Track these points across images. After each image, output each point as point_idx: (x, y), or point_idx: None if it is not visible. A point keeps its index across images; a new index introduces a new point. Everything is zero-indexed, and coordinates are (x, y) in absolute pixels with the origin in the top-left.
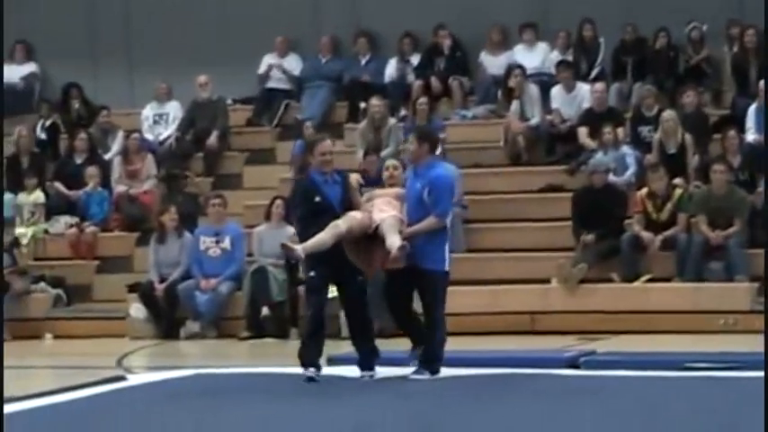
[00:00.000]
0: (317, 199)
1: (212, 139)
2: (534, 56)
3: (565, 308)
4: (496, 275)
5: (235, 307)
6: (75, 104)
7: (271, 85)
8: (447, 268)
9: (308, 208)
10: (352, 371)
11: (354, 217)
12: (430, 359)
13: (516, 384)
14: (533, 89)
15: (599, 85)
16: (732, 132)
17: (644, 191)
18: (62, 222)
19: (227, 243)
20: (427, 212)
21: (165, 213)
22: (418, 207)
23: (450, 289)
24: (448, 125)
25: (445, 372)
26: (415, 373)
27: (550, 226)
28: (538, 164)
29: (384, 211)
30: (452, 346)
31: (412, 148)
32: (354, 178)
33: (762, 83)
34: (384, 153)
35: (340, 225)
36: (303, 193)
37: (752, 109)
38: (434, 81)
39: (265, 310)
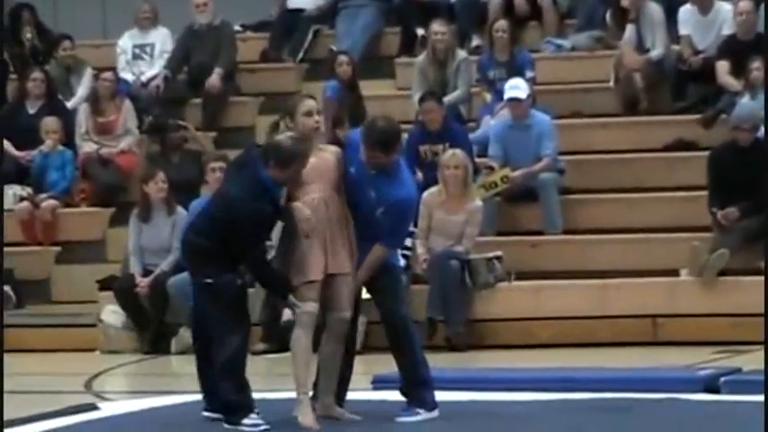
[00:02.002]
0: None
1: (214, 80)
2: None
3: (698, 309)
4: (606, 265)
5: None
6: (28, 33)
7: (293, 4)
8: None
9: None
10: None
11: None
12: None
13: (635, 415)
14: (655, 10)
15: (745, 4)
16: None
17: None
18: (9, 195)
19: None
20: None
21: (150, 181)
22: (370, 221)
23: (541, 284)
24: (537, 59)
25: (538, 396)
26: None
27: (679, 197)
28: (661, 112)
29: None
30: (548, 360)
31: (363, 153)
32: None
33: None
34: (450, 97)
35: None
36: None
37: None
38: None
39: (289, 314)
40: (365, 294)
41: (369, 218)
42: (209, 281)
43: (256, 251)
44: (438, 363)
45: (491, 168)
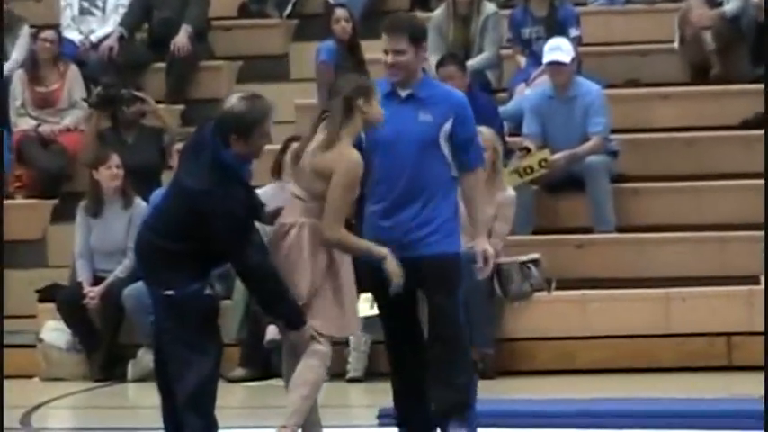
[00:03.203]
0: None
1: (181, 40)
2: None
3: None
4: (669, 271)
5: (221, 326)
6: None
7: None
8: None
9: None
10: None
11: None
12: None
13: None
14: None
15: None
16: None
17: None
18: None
19: None
20: None
21: (101, 166)
22: None
23: (589, 295)
24: (583, 14)
25: None
26: None
27: (760, 186)
28: (738, 80)
29: None
30: (596, 389)
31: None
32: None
33: None
34: (475, 61)
35: None
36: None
37: None
38: None
39: (273, 332)
40: (367, 311)
41: None
42: (170, 293)
43: (265, 263)
44: None
45: (526, 150)
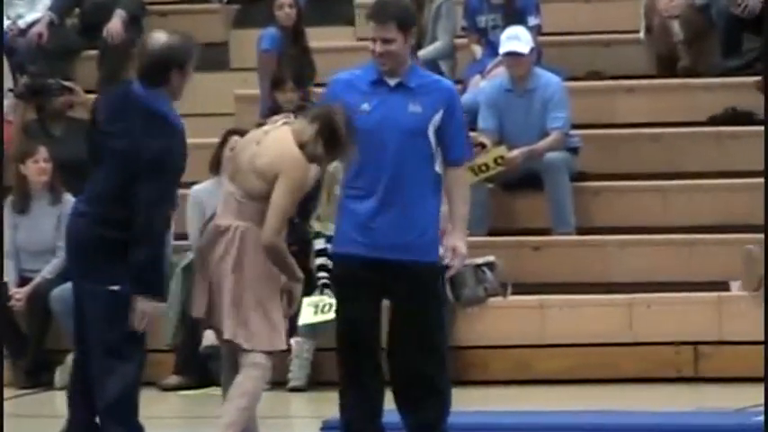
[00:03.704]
0: None
1: (115, 26)
2: None
3: (753, 335)
4: (633, 276)
5: (155, 331)
6: None
7: None
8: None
9: None
10: None
11: None
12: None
13: None
14: None
15: None
16: None
17: None
18: None
19: None
20: None
21: (28, 160)
22: None
23: (547, 300)
24: (543, 1)
25: None
26: None
27: (729, 185)
28: (707, 73)
29: None
30: (554, 400)
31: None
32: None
33: None
34: (427, 51)
35: None
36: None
37: None
38: None
39: (210, 338)
40: (311, 318)
41: None
42: (115, 288)
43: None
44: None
45: (481, 146)
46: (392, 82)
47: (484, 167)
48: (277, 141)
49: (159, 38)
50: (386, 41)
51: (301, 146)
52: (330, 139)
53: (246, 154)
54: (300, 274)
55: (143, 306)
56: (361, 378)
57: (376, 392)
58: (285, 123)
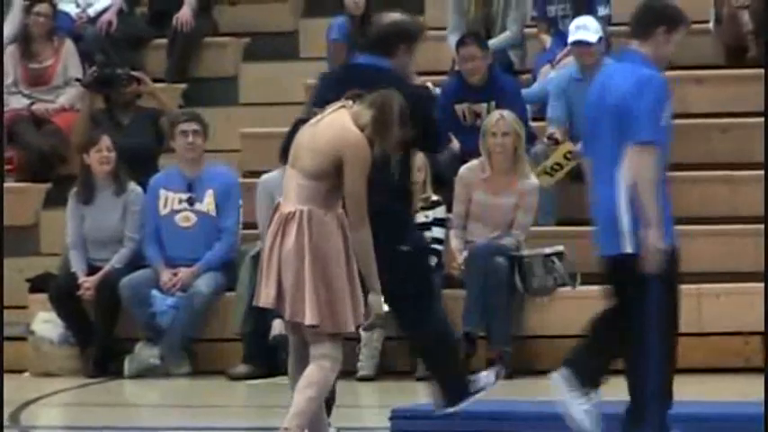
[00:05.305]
0: None
1: (184, 15)
2: None
3: None
4: (703, 266)
5: (223, 320)
6: None
7: None
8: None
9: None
10: None
11: None
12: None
13: None
14: None
15: None
16: None
17: None
18: None
19: (208, 203)
20: None
21: (92, 149)
22: None
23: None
24: None
25: None
26: None
27: None
28: None
29: None
30: (622, 391)
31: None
32: None
33: None
34: (497, 40)
35: None
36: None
37: None
38: None
39: (279, 327)
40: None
41: None
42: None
43: None
44: None
45: (554, 142)
46: None
47: (557, 167)
48: (336, 121)
49: (391, 15)
50: None
51: (359, 129)
52: (382, 124)
53: (305, 136)
54: (378, 286)
55: None
56: None
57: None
58: (342, 107)
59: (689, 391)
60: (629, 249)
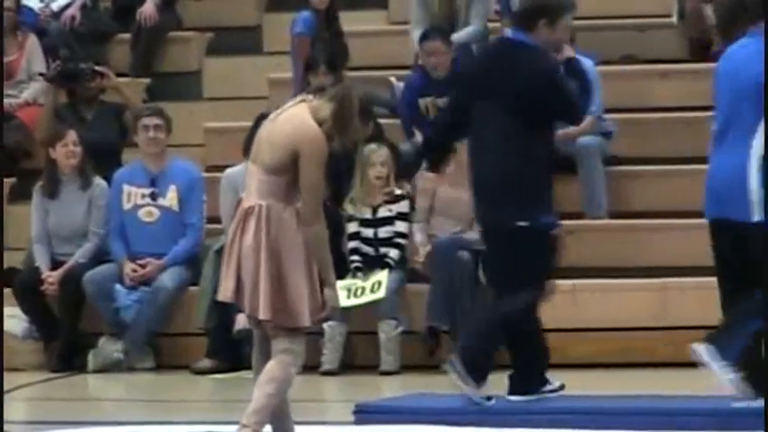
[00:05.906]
0: None
1: (148, 9)
2: None
3: None
4: (666, 260)
5: (187, 314)
6: None
7: None
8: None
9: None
10: None
11: None
12: None
13: None
14: None
15: None
16: None
17: None
18: None
19: (171, 198)
20: None
21: (58, 144)
22: None
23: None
24: None
25: None
26: None
27: None
28: None
29: None
30: (586, 385)
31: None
32: None
33: None
34: (461, 34)
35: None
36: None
37: None
38: None
39: (243, 321)
40: (342, 302)
41: None
42: (523, 224)
43: None
44: (440, 387)
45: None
46: None
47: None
48: (294, 116)
49: None
50: None
51: (318, 123)
52: (342, 117)
53: (265, 131)
54: (333, 280)
55: None
56: None
57: None
58: (302, 101)
59: (653, 386)
60: (756, 218)
